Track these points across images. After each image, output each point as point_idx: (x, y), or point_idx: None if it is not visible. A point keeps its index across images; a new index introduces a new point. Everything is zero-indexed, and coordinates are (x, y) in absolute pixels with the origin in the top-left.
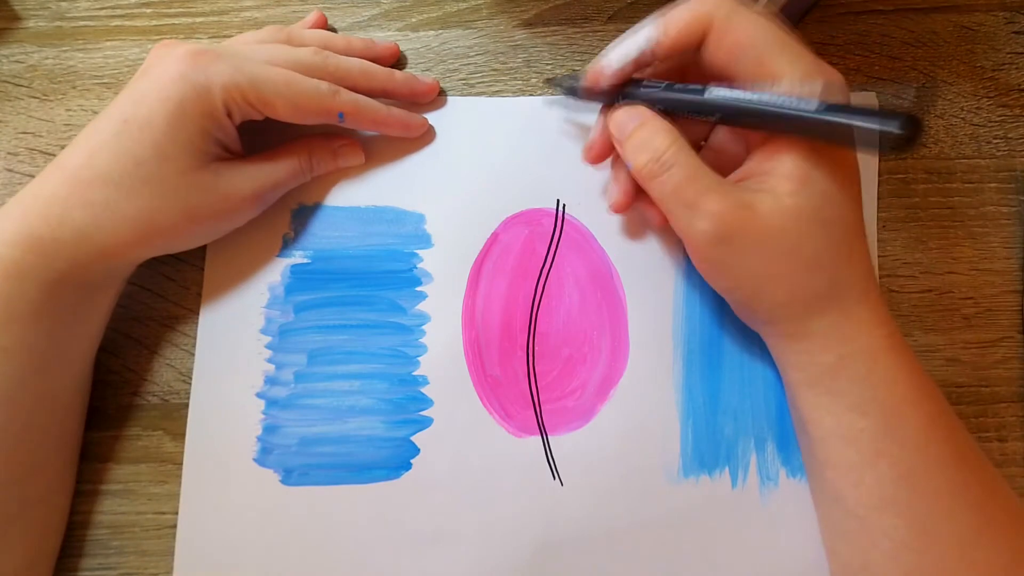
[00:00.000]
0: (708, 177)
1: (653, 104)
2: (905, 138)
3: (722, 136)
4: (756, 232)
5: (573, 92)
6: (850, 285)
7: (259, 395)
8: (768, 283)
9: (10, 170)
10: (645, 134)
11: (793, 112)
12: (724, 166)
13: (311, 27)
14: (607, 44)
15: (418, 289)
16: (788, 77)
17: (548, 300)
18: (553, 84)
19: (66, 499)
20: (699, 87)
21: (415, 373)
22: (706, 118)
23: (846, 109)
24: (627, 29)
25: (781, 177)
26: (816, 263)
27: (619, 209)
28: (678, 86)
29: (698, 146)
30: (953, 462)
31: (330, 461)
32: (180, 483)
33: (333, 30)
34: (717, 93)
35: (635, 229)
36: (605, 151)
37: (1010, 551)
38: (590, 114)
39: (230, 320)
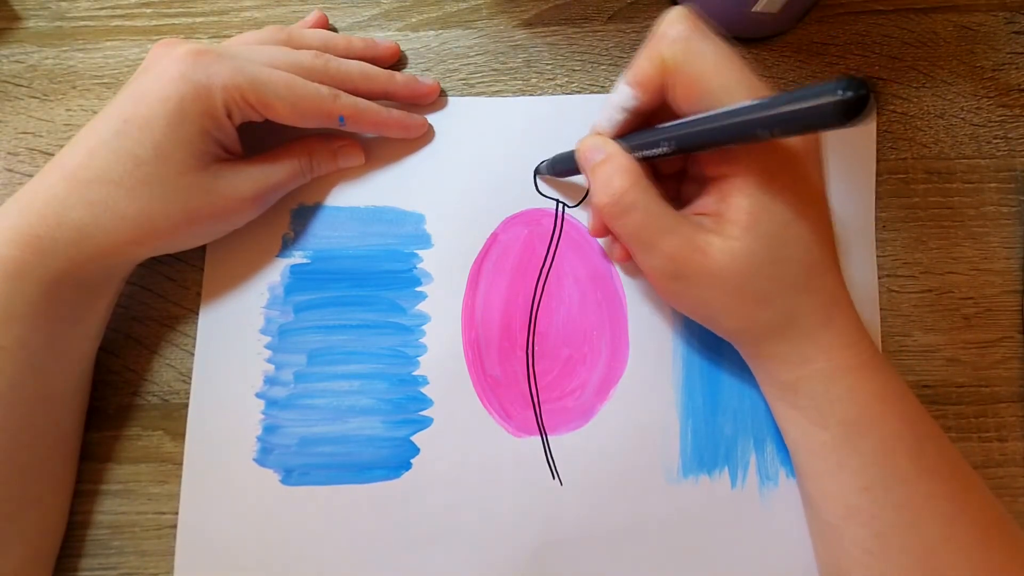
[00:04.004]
0: (665, 218)
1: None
2: (854, 101)
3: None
4: (706, 271)
5: (560, 171)
6: (808, 314)
7: (259, 395)
8: (720, 314)
9: (10, 170)
10: (607, 172)
11: (734, 115)
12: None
13: (311, 27)
14: (607, 44)
15: (418, 289)
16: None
17: (548, 300)
18: (540, 171)
19: (66, 499)
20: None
21: (415, 373)
22: (661, 152)
23: (786, 96)
24: (627, 29)
25: (729, 221)
26: (766, 299)
27: (596, 235)
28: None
29: (677, 182)
30: (917, 475)
31: (330, 461)
32: (180, 483)
33: (334, 30)
34: (664, 124)
35: None
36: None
37: (978, 564)
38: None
39: (230, 320)
